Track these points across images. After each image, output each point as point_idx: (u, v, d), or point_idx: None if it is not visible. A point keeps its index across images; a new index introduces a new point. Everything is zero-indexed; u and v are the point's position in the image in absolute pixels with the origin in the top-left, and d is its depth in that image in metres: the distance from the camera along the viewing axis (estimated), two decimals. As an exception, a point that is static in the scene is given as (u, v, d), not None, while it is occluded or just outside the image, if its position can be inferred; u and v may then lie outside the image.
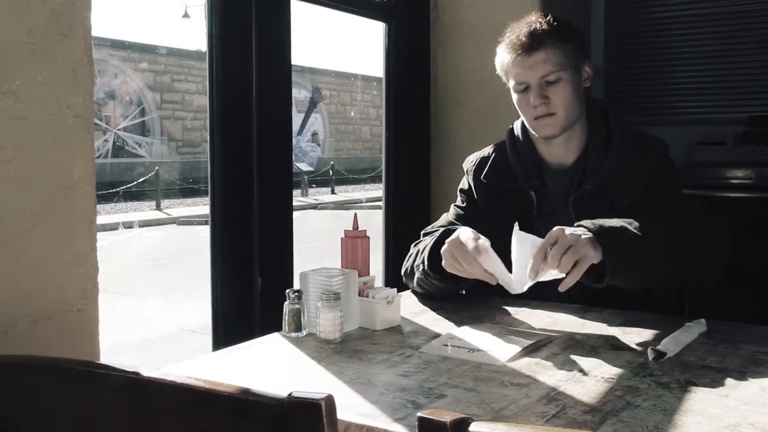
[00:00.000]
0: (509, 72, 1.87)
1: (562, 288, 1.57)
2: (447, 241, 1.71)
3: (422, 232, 2.04)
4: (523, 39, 1.82)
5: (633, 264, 1.61)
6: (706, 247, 1.75)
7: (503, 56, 1.88)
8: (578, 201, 1.87)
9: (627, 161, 1.86)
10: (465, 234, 1.69)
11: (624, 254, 1.59)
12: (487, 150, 2.06)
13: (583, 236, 1.57)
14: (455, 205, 2.09)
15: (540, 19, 1.86)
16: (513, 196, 1.95)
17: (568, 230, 1.58)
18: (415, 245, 1.98)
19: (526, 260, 1.59)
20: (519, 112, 1.92)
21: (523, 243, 1.61)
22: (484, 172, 2.01)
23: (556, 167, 1.94)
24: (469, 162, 2.08)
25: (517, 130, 2.01)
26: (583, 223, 1.64)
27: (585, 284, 1.62)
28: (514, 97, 1.90)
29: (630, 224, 1.65)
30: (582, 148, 1.92)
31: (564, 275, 1.57)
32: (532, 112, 1.86)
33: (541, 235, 1.63)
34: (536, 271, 1.57)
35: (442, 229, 1.86)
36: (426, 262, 1.82)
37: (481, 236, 1.69)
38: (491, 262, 1.63)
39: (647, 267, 1.64)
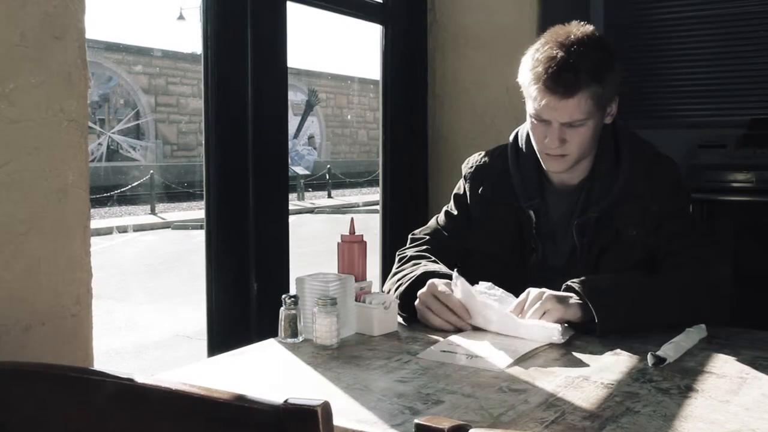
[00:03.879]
0: (531, 98, 1.73)
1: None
2: (419, 295, 1.70)
3: (410, 236, 2.00)
4: (556, 78, 1.65)
5: (627, 325, 1.60)
6: (708, 301, 1.68)
7: (529, 80, 1.71)
8: (582, 226, 1.79)
9: (635, 186, 1.78)
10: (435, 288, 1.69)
11: (617, 320, 1.59)
12: (488, 156, 1.97)
13: (564, 301, 1.60)
14: (447, 212, 2.00)
15: (582, 48, 1.68)
16: (510, 212, 1.87)
17: (548, 293, 1.61)
18: (399, 262, 1.92)
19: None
20: (530, 134, 1.81)
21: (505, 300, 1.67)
22: (481, 185, 1.93)
23: (560, 186, 1.86)
24: (468, 166, 1.99)
25: (522, 140, 1.90)
26: (573, 285, 1.63)
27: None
28: (529, 120, 1.78)
29: (627, 287, 1.64)
30: (589, 170, 1.83)
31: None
32: (543, 147, 1.76)
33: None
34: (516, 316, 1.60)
35: (411, 276, 1.78)
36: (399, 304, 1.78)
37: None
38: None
39: (643, 325, 1.61)
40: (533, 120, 1.76)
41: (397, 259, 1.94)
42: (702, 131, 3.24)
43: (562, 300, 1.60)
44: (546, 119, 1.71)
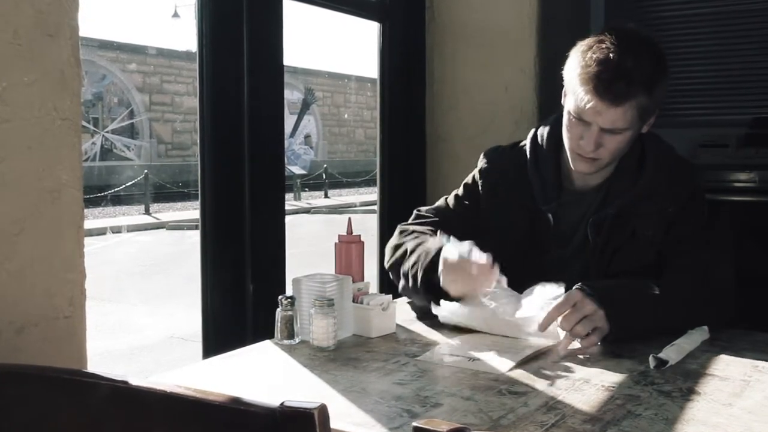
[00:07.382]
0: (574, 96, 1.68)
1: (561, 352, 1.50)
2: (444, 259, 1.65)
3: (415, 211, 2.00)
4: (608, 85, 1.61)
5: (636, 335, 1.55)
6: (713, 306, 1.66)
7: (578, 79, 1.66)
8: (597, 224, 1.76)
9: (656, 189, 1.75)
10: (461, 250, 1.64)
11: (629, 330, 1.54)
12: (505, 154, 1.94)
13: (600, 310, 1.50)
14: (457, 196, 1.97)
15: (639, 54, 1.65)
16: (525, 213, 1.84)
17: (587, 298, 1.51)
18: (401, 235, 1.90)
19: (536, 309, 1.57)
20: (563, 130, 1.77)
21: (540, 293, 1.60)
22: (497, 184, 1.89)
23: (580, 186, 1.83)
24: (483, 162, 1.95)
25: (542, 139, 1.87)
26: (593, 291, 1.54)
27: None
28: (566, 117, 1.73)
29: (642, 294, 1.59)
30: (611, 170, 1.80)
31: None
32: (577, 147, 1.72)
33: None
34: (546, 326, 1.52)
35: (432, 249, 1.74)
36: (420, 280, 1.73)
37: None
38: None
39: (651, 332, 1.57)
40: (572, 117, 1.71)
41: (398, 231, 1.94)
42: (703, 130, 3.21)
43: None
44: (586, 121, 1.67)
